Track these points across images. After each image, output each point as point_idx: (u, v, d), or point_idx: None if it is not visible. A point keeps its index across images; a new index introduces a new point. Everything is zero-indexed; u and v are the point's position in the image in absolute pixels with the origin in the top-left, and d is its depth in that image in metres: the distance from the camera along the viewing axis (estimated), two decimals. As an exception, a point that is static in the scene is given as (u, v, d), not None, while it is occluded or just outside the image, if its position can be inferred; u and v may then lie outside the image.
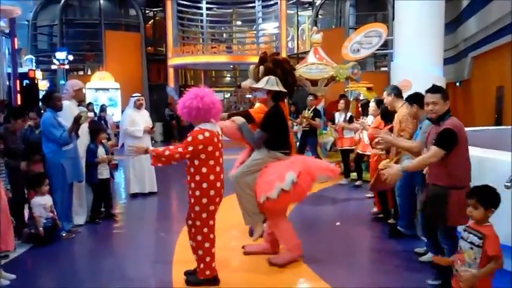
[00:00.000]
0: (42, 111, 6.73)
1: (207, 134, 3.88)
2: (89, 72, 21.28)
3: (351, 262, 4.99)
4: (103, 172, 6.60)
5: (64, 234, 5.72)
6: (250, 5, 22.24)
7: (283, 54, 18.89)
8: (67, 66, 18.90)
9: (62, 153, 5.69)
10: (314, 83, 10.51)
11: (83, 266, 5.14)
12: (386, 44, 14.86)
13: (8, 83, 16.67)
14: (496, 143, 5.68)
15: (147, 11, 23.65)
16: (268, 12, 22.30)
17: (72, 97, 6.14)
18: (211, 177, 3.93)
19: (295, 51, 22.05)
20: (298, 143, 9.31)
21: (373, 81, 13.56)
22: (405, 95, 5.44)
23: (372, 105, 7.12)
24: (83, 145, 6.30)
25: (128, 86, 18.15)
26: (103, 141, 6.80)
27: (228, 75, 26.05)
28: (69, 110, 5.90)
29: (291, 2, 22.28)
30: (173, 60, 20.61)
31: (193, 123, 4.03)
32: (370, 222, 6.42)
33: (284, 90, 4.76)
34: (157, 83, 22.38)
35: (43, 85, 17.83)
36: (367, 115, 7.91)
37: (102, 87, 19.14)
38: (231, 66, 23.09)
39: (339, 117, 9.06)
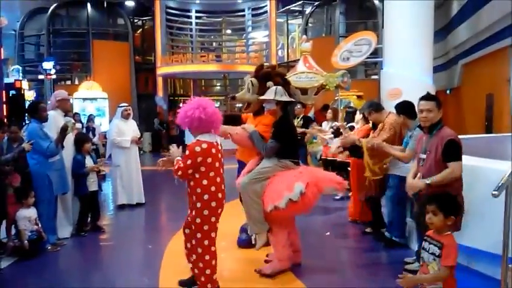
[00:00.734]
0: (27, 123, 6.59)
1: (204, 146, 3.81)
2: (77, 82, 21.12)
3: (339, 271, 4.96)
4: (91, 184, 6.47)
5: (49, 247, 5.61)
6: (240, 13, 22.24)
7: (273, 63, 18.89)
8: (54, 76, 18.69)
9: (49, 164, 5.59)
10: (304, 91, 10.47)
11: (69, 279, 4.99)
12: (377, 52, 14.89)
13: (-6, 94, 16.47)
14: (486, 151, 5.65)
15: (135, 20, 23.57)
16: (258, 21, 22.32)
17: (56, 107, 6.04)
18: (213, 188, 3.87)
19: (285, 60, 22.12)
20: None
21: (363, 89, 13.60)
22: (395, 103, 5.41)
23: (358, 116, 7.12)
24: (68, 156, 6.18)
25: (116, 95, 18.02)
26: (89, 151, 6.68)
27: (218, 84, 25.99)
28: (54, 120, 5.80)
29: (281, 10, 22.35)
30: (162, 70, 20.51)
31: (192, 133, 3.97)
32: (357, 231, 6.37)
33: (292, 99, 4.88)
34: (146, 93, 22.30)
35: (29, 95, 17.61)
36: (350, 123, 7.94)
37: (90, 97, 18.99)
38: (222, 75, 23.06)
39: (326, 126, 9.00)
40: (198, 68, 20.06)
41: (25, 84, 17.32)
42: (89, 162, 6.47)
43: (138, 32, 24.03)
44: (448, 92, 17.66)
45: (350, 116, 8.35)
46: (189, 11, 21.68)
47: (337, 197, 8.31)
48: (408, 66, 10.71)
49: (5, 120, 7.78)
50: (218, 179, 3.92)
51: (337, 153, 7.41)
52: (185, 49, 22.49)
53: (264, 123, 4.90)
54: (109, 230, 6.74)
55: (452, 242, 3.03)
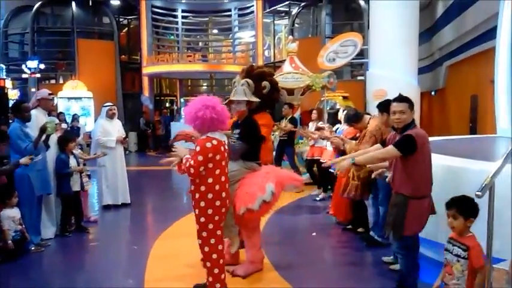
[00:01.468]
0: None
1: (214, 142, 3.79)
2: (61, 81, 20.83)
3: (323, 270, 5.02)
4: (74, 184, 6.39)
5: (33, 248, 5.53)
6: (227, 13, 22.17)
7: (260, 63, 18.89)
8: (38, 75, 18.50)
9: (30, 165, 5.46)
10: (290, 92, 10.48)
11: (53, 280, 4.93)
12: (363, 53, 14.98)
13: (-23, 92, 16.24)
14: (470, 152, 5.71)
15: (121, 19, 23.33)
16: (245, 21, 22.27)
17: (37, 106, 5.96)
18: (217, 187, 3.85)
19: (272, 60, 22.10)
20: (274, 152, 9.19)
21: (349, 90, 13.62)
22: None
23: (341, 113, 7.17)
24: (52, 156, 6.11)
25: (101, 95, 17.80)
26: (73, 150, 6.61)
27: (205, 84, 25.90)
28: (36, 119, 5.71)
29: (268, 10, 22.34)
30: (148, 69, 20.37)
31: (200, 131, 3.92)
32: (340, 231, 6.41)
33: (258, 100, 4.83)
34: (131, 92, 22.11)
35: (13, 94, 17.42)
36: (334, 124, 7.98)
37: (75, 97, 18.78)
38: (209, 75, 22.98)
39: (312, 127, 9.01)
40: (184, 68, 19.92)
41: (9, 83, 17.13)
42: (73, 162, 6.40)
43: (124, 31, 23.79)
44: (433, 93, 17.82)
45: (332, 117, 8.36)
46: (175, 10, 21.56)
47: (318, 198, 8.37)
48: (393, 68, 10.80)
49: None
50: (223, 178, 3.91)
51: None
52: (171, 49, 22.35)
53: (260, 124, 4.84)
54: (94, 230, 6.66)
55: (475, 242, 3.14)
